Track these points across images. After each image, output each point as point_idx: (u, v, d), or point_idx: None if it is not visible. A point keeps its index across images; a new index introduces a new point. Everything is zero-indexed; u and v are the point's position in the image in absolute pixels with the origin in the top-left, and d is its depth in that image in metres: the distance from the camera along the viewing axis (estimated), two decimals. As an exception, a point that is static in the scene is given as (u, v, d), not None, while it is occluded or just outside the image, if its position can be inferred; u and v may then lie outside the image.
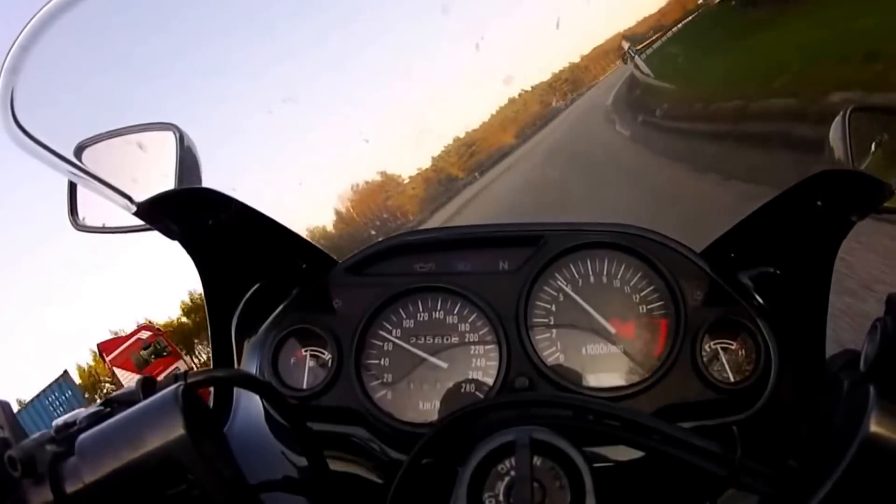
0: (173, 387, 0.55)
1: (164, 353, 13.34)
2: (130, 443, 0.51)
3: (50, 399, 15.11)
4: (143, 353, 13.14)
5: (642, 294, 0.83)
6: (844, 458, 0.46)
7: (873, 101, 3.84)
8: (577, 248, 0.85)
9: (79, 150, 0.79)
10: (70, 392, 15.50)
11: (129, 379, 11.67)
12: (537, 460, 0.52)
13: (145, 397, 0.55)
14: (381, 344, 0.83)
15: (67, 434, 0.53)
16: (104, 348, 13.64)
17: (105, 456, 0.50)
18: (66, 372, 16.08)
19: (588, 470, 0.51)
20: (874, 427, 0.45)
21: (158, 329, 15.16)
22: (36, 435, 0.53)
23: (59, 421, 0.54)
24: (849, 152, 0.77)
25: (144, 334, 13.76)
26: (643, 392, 0.76)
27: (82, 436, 0.52)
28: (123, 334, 14.37)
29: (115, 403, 0.56)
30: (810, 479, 0.49)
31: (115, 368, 13.15)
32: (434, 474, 0.59)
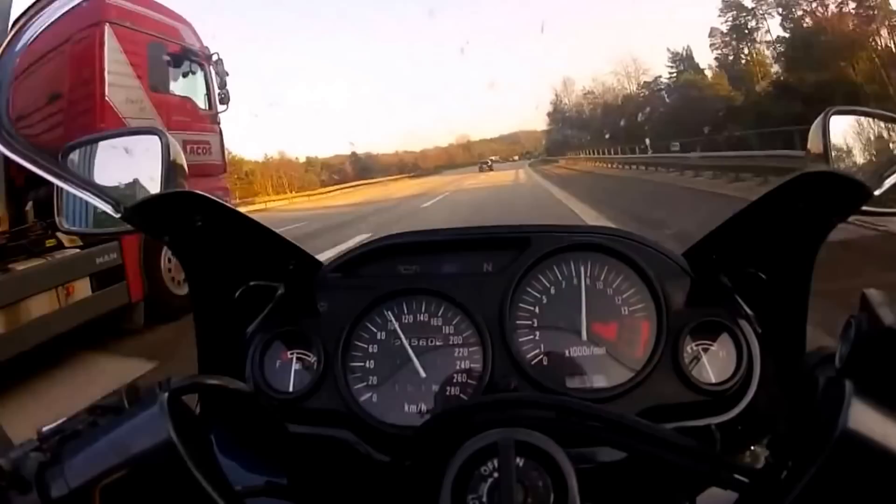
0: (159, 394, 0.55)
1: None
2: (117, 451, 0.51)
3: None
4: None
5: (625, 296, 0.83)
6: (821, 453, 0.47)
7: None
8: (561, 251, 0.86)
9: (65, 154, 0.79)
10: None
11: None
12: (520, 461, 0.52)
13: (130, 404, 0.56)
14: (366, 346, 0.84)
15: (53, 442, 0.53)
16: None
17: (92, 464, 0.51)
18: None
19: (571, 470, 0.52)
20: (850, 423, 0.46)
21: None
22: (21, 443, 0.53)
23: (44, 429, 0.54)
24: (829, 154, 0.78)
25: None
26: (626, 393, 0.77)
27: (68, 444, 0.52)
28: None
29: (99, 410, 0.56)
30: (788, 475, 0.50)
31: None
32: (418, 476, 0.59)
